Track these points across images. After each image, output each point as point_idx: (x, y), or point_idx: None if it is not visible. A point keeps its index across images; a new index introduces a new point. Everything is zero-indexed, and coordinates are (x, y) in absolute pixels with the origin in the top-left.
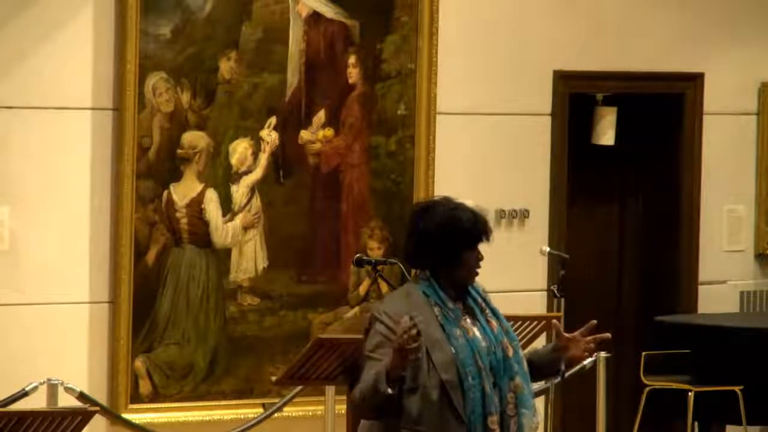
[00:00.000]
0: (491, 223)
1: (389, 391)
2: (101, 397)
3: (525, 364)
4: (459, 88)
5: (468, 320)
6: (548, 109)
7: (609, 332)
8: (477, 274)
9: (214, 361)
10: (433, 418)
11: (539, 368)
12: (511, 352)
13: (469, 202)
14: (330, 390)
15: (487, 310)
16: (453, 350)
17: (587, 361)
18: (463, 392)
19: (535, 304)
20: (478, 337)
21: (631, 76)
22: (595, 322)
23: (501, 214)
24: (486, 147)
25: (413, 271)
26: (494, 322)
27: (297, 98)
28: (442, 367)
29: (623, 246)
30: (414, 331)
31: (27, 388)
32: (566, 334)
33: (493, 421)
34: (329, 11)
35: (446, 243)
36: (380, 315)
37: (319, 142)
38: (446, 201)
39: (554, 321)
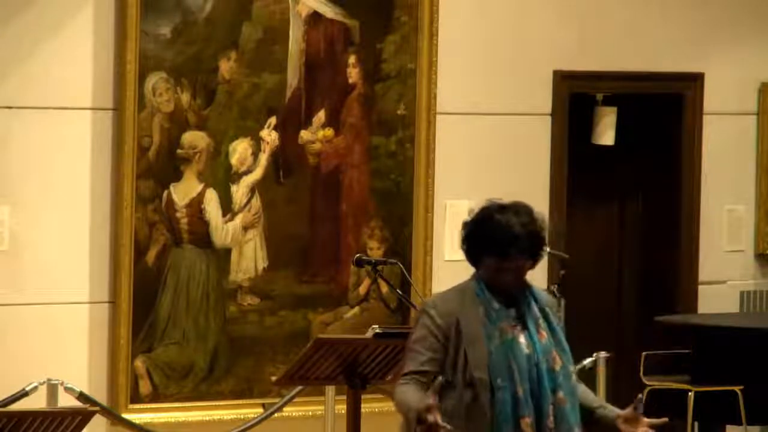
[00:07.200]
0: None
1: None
2: (101, 397)
3: (573, 380)
4: (459, 88)
5: (517, 326)
6: (548, 109)
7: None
8: (507, 283)
9: (214, 361)
10: (462, 413)
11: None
12: (558, 366)
13: (537, 213)
14: (330, 390)
15: (541, 321)
16: (487, 350)
17: (587, 361)
18: (493, 392)
19: None
20: (520, 342)
21: (631, 76)
22: (641, 396)
23: None
24: (486, 147)
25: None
26: (545, 333)
27: (297, 98)
28: (475, 365)
29: (623, 246)
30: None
31: (27, 388)
32: (639, 414)
33: (527, 423)
34: (329, 11)
35: (472, 243)
36: (429, 309)
37: (319, 142)
38: (504, 205)
39: (639, 396)
